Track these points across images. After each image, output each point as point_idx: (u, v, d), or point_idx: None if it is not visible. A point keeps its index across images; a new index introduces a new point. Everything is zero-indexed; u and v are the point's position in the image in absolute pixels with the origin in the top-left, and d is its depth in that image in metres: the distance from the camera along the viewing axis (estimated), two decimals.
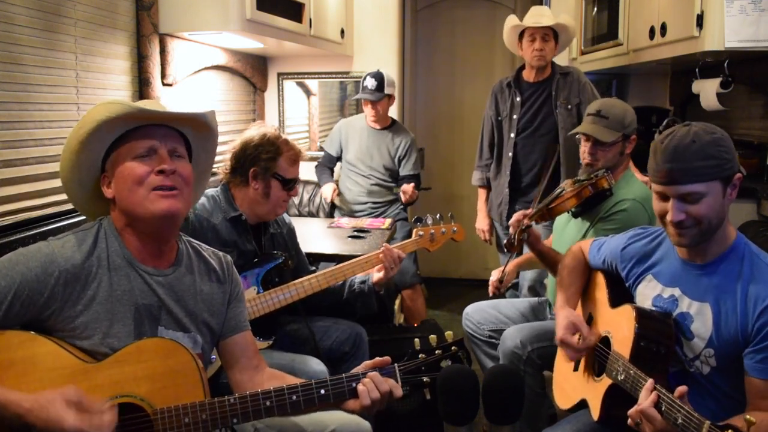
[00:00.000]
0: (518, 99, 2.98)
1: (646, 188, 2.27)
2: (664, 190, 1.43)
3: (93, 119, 1.27)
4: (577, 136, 2.24)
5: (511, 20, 2.97)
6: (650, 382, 1.31)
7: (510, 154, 3.00)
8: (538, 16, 2.87)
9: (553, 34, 2.87)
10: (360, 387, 1.34)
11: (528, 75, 2.99)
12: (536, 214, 2.15)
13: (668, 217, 1.43)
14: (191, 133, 1.41)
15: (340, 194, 3.61)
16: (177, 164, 1.33)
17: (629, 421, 1.33)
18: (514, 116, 2.98)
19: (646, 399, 1.29)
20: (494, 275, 2.39)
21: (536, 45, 2.86)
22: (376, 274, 2.19)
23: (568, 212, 2.22)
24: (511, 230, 2.17)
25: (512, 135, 2.98)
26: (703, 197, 1.38)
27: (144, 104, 1.34)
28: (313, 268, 2.42)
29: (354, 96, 3.53)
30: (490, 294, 2.37)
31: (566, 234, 2.28)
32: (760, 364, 1.36)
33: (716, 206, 1.40)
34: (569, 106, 2.87)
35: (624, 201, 2.12)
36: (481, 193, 3.25)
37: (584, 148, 2.20)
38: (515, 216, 2.20)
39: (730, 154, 1.40)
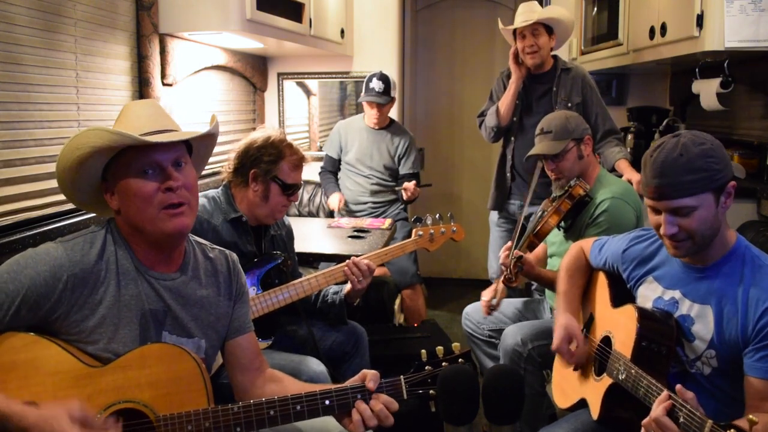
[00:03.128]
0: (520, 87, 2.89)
1: (623, 183, 2.29)
2: (654, 204, 1.43)
3: (89, 144, 1.23)
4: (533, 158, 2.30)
5: (500, 24, 2.95)
6: (665, 393, 1.30)
7: (511, 146, 2.96)
8: (525, 14, 2.80)
9: (546, 28, 2.79)
10: (357, 416, 1.33)
11: (533, 68, 2.88)
12: (524, 243, 2.17)
13: (661, 231, 1.43)
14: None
15: (346, 204, 3.60)
16: (183, 175, 1.31)
17: (642, 430, 1.31)
18: (517, 102, 2.89)
19: (658, 407, 1.28)
20: (486, 295, 2.31)
21: (527, 42, 2.78)
22: (347, 286, 2.15)
23: (559, 229, 2.23)
24: (503, 266, 2.17)
25: (514, 119, 2.91)
26: (694, 210, 1.38)
27: (142, 117, 1.31)
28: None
29: (361, 98, 3.49)
30: (484, 315, 2.33)
31: (563, 250, 2.28)
32: (758, 362, 1.36)
33: (709, 218, 1.39)
34: (569, 104, 2.79)
35: (603, 202, 2.14)
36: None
37: (546, 168, 2.28)
38: (501, 253, 2.20)
39: (720, 163, 1.38)
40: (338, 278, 2.12)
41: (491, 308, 2.28)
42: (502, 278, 2.18)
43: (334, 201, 3.57)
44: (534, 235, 2.17)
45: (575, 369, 1.74)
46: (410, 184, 3.39)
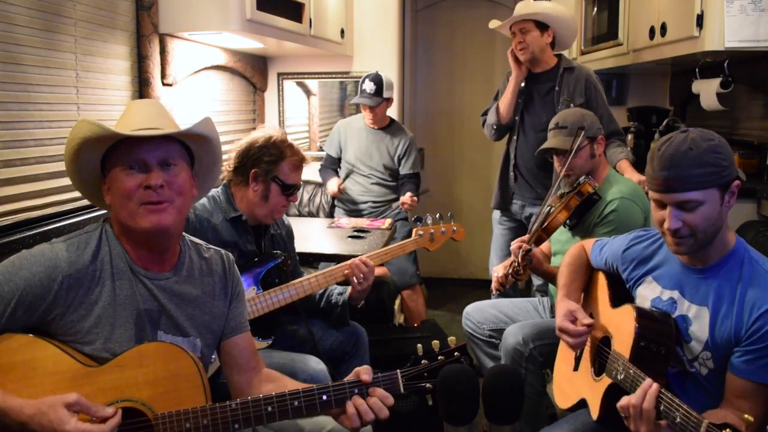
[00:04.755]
0: (522, 85, 2.88)
1: (632, 184, 2.28)
2: (660, 197, 1.42)
3: (79, 135, 1.27)
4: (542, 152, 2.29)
5: (492, 24, 2.94)
6: (647, 382, 1.31)
7: (515, 137, 2.95)
8: (516, 11, 2.79)
9: (537, 25, 2.76)
10: (352, 409, 1.33)
11: (531, 66, 2.88)
12: (532, 237, 2.16)
13: (665, 225, 1.43)
14: (187, 137, 1.36)
15: (344, 190, 3.61)
16: (168, 175, 1.30)
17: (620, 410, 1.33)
18: (519, 100, 2.88)
19: (641, 395, 1.30)
20: (499, 271, 2.27)
21: (517, 38, 2.79)
22: (350, 288, 2.14)
23: (564, 226, 2.23)
24: (512, 257, 2.17)
25: (516, 118, 2.90)
26: (700, 205, 1.38)
27: (139, 114, 1.32)
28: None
29: (353, 100, 3.53)
30: (494, 292, 2.30)
31: (567, 249, 2.28)
32: (744, 364, 1.36)
33: (713, 215, 1.39)
34: (571, 105, 2.75)
35: (612, 201, 2.14)
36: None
37: (557, 163, 2.26)
38: (514, 245, 2.19)
39: (727, 160, 1.39)
40: (338, 278, 2.12)
41: (503, 285, 2.25)
42: (510, 270, 2.18)
43: (333, 184, 3.58)
44: (542, 229, 2.16)
45: (575, 369, 1.74)
46: (406, 198, 3.40)
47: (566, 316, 1.65)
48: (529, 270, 2.16)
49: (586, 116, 2.25)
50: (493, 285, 2.28)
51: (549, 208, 2.20)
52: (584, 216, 2.19)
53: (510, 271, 2.18)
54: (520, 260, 2.12)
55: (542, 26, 2.77)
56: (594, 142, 2.22)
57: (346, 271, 2.09)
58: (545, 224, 2.16)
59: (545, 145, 2.27)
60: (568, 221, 2.21)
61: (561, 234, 2.30)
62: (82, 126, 1.26)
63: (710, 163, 1.36)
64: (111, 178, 1.31)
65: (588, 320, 1.62)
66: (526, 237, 2.20)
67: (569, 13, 2.89)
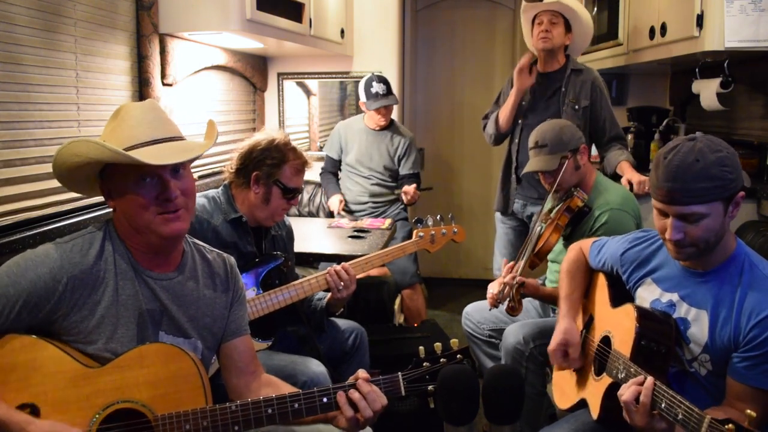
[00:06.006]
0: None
1: (621, 190, 2.25)
2: (663, 207, 1.41)
3: (88, 155, 1.24)
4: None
5: (523, 4, 2.88)
6: (642, 379, 1.32)
7: (517, 140, 2.93)
8: (548, 2, 2.77)
9: (564, 23, 2.75)
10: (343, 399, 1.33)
11: (540, 65, 2.86)
12: (525, 264, 2.13)
13: (666, 235, 1.42)
14: None
15: (346, 204, 3.61)
16: (180, 182, 1.31)
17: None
18: (523, 102, 2.87)
19: (627, 390, 1.33)
20: (494, 288, 2.22)
21: (543, 27, 2.74)
22: (329, 294, 2.12)
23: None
24: (506, 290, 2.11)
25: (519, 121, 2.89)
26: (703, 218, 1.37)
27: (143, 123, 1.30)
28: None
29: (373, 106, 3.43)
30: (489, 308, 2.26)
31: (561, 258, 2.26)
32: (743, 369, 1.37)
33: (716, 226, 1.38)
34: (576, 107, 2.75)
35: (602, 214, 2.12)
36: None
37: (543, 182, 2.25)
38: (505, 274, 2.14)
39: (734, 173, 1.37)
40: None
41: (497, 301, 2.20)
42: (505, 307, 2.13)
43: (334, 203, 3.58)
44: (534, 255, 2.13)
45: (575, 370, 1.74)
46: (410, 188, 3.39)
47: (561, 344, 1.69)
48: (522, 299, 2.13)
49: (564, 129, 2.20)
50: (489, 302, 2.24)
51: (539, 228, 2.17)
52: (576, 228, 2.18)
53: (505, 308, 2.14)
54: (514, 293, 2.08)
55: (567, 26, 2.77)
56: (577, 153, 2.18)
57: (327, 276, 2.06)
58: (537, 249, 2.12)
59: (528, 168, 2.25)
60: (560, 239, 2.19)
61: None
62: (94, 148, 1.23)
63: (716, 177, 1.34)
64: (119, 187, 1.30)
65: (576, 364, 1.69)
66: (516, 266, 2.14)
67: (591, 25, 2.88)
